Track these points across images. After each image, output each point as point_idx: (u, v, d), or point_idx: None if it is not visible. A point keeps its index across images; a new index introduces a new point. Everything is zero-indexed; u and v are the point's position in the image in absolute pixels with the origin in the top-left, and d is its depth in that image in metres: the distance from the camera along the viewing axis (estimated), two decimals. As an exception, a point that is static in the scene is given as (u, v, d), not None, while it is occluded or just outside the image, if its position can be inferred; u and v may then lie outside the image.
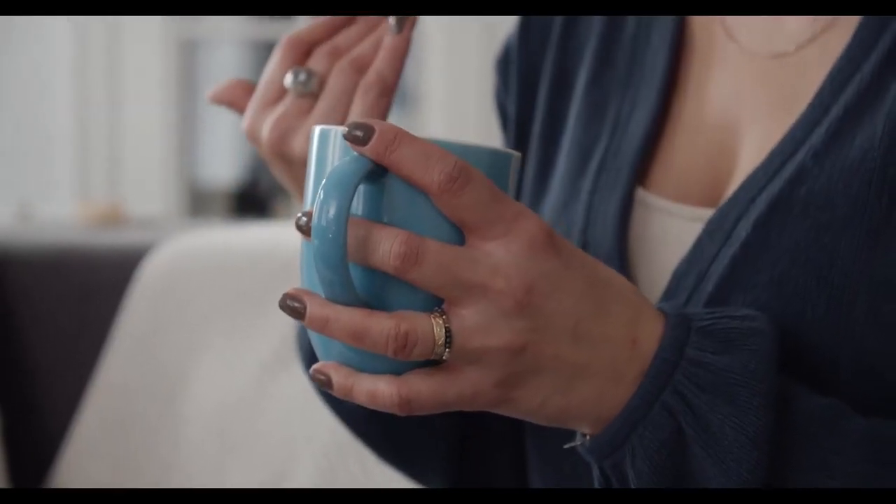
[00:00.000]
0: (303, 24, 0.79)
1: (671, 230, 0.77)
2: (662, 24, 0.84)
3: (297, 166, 0.76)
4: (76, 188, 4.00)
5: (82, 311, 1.48)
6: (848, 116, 0.70)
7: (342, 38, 0.78)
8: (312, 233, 0.57)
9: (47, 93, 4.06)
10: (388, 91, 0.76)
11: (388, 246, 0.58)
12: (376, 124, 0.58)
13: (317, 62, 0.77)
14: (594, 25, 0.88)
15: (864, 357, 0.66)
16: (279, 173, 0.79)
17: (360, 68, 0.76)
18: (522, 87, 0.90)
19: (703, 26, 0.82)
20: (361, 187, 0.59)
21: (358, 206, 0.59)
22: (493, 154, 0.61)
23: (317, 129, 0.62)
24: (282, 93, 0.78)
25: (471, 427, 0.90)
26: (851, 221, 0.67)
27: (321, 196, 0.57)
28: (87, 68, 4.03)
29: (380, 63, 0.76)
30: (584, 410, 0.62)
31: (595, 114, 0.85)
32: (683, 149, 0.79)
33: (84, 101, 4.04)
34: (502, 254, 0.58)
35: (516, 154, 0.63)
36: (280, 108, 0.77)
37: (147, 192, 4.06)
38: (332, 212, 0.57)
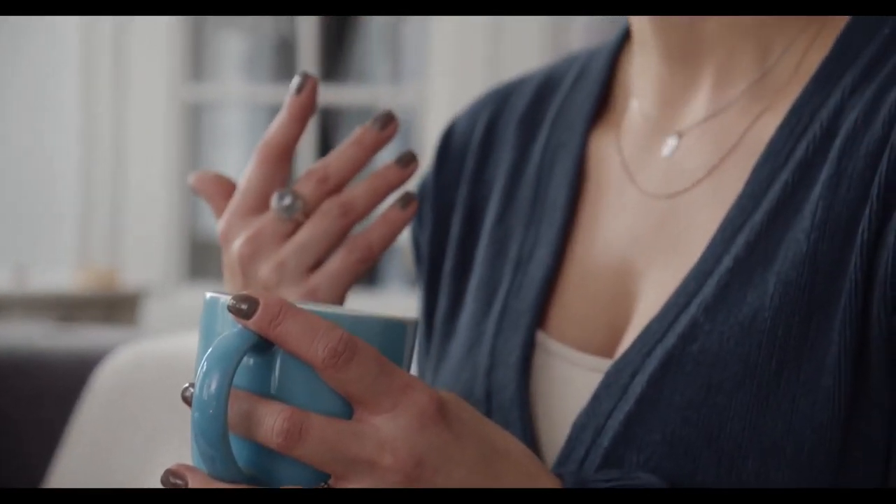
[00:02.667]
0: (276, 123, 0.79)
1: (573, 379, 0.76)
2: (565, 159, 0.83)
3: (252, 285, 0.75)
4: (77, 251, 4.02)
5: (33, 415, 1.48)
6: (739, 269, 0.70)
7: (334, 163, 0.77)
8: (193, 405, 0.57)
9: (53, 155, 4.08)
10: (371, 260, 0.75)
11: (271, 422, 0.57)
12: (262, 297, 0.58)
13: (304, 187, 0.76)
14: (504, 160, 0.88)
15: None
16: (230, 280, 0.78)
17: (348, 212, 0.75)
18: (436, 224, 0.90)
19: (603, 164, 0.82)
20: (248, 359, 0.59)
21: (244, 378, 0.59)
22: (385, 324, 0.60)
23: (206, 296, 0.61)
24: (260, 202, 0.76)
25: None
26: (742, 382, 0.67)
27: (203, 368, 0.57)
28: (92, 131, 4.06)
29: (375, 234, 0.76)
30: None
31: (499, 252, 0.84)
32: (582, 293, 0.79)
33: (89, 164, 4.06)
34: (390, 428, 0.58)
35: (411, 321, 0.62)
36: (258, 223, 0.75)
37: (149, 254, 4.07)
38: (213, 386, 0.56)
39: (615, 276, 0.77)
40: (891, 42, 0.71)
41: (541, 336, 0.79)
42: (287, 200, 0.75)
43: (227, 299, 0.59)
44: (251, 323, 0.57)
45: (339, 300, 0.76)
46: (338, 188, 0.76)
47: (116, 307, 3.40)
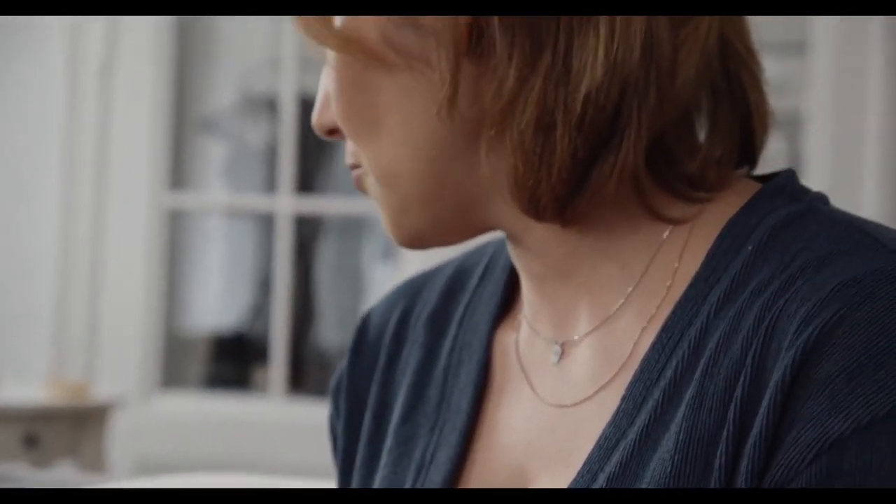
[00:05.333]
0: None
1: None
2: (470, 360, 0.84)
3: None
4: (50, 358, 3.98)
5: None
6: (612, 487, 0.70)
7: None
8: None
9: (29, 260, 4.07)
10: None
11: None
12: None
13: None
14: (413, 358, 0.88)
15: None
16: None
17: None
18: (349, 417, 0.90)
19: (506, 365, 0.83)
20: None
21: None
22: None
23: None
24: None
25: None
26: None
27: None
28: (70, 240, 4.05)
29: None
30: None
31: (403, 454, 0.84)
32: None
33: (65, 269, 4.05)
34: None
35: None
36: None
37: (124, 362, 4.04)
38: None
39: (512, 480, 0.77)
40: (753, 260, 0.72)
41: None
42: None
43: None
44: None
45: None
46: None
47: (86, 419, 3.36)
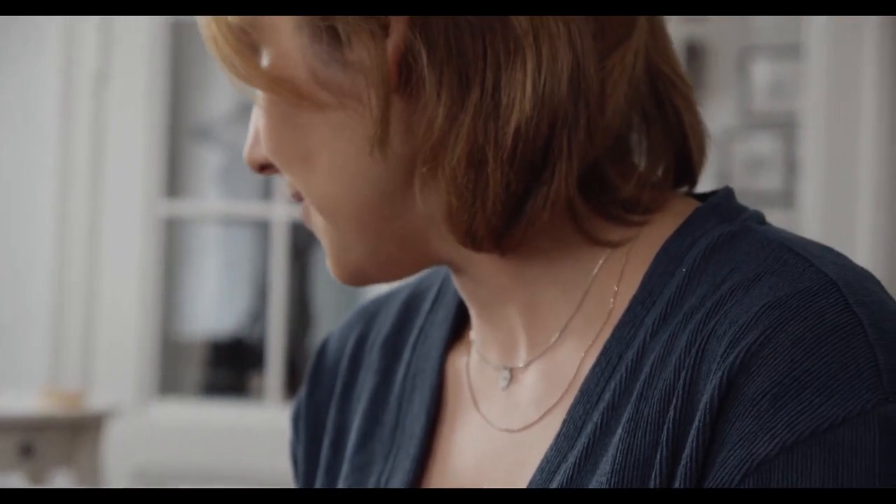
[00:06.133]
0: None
1: None
2: (423, 387, 0.84)
3: None
4: (46, 368, 3.98)
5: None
6: None
7: None
8: None
9: (25, 269, 4.06)
10: None
11: None
12: None
13: None
14: (368, 384, 0.88)
15: None
16: None
17: None
18: (308, 444, 0.91)
19: (457, 389, 0.83)
20: None
21: None
22: None
23: None
24: None
25: None
26: None
27: None
28: (65, 248, 4.05)
29: None
30: None
31: (359, 479, 0.85)
32: None
33: (61, 278, 4.04)
34: None
35: None
36: None
37: (120, 370, 4.03)
38: None
39: None
40: (687, 282, 0.72)
41: None
42: None
43: None
44: None
45: None
46: None
47: (82, 428, 3.35)
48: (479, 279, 0.78)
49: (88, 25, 3.95)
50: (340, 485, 0.85)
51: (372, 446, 0.85)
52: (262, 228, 4.40)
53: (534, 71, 0.71)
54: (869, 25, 3.49)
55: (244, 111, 4.73)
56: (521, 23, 0.71)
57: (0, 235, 4.06)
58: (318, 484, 0.88)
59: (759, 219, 0.76)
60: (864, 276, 0.70)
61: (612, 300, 0.76)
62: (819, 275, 0.68)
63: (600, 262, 0.76)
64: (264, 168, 0.79)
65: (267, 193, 4.33)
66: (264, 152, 0.78)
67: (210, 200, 4.77)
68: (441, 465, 0.81)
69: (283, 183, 0.81)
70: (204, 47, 0.80)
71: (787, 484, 0.64)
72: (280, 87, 0.75)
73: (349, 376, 0.90)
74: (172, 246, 4.42)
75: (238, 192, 4.82)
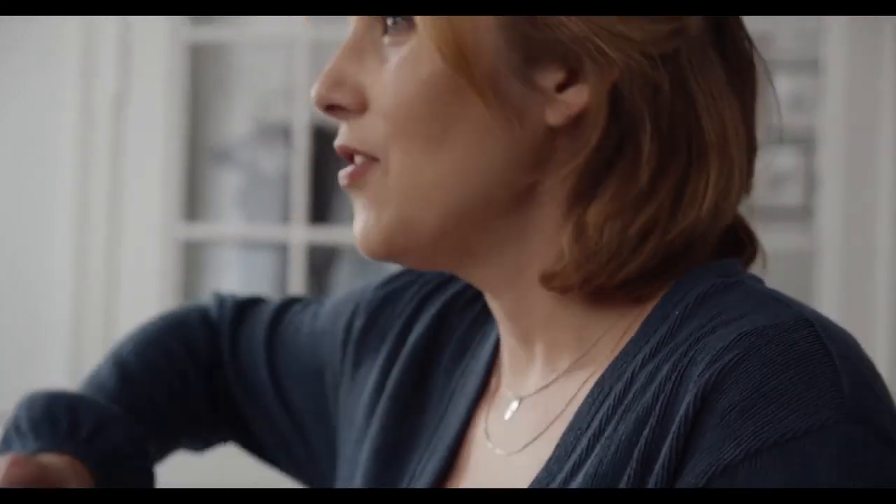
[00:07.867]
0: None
1: None
2: (475, 373, 0.90)
3: None
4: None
5: None
6: None
7: None
8: None
9: (43, 293, 4.08)
10: None
11: None
12: None
13: None
14: (394, 373, 0.95)
15: None
16: None
17: None
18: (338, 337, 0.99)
19: (478, 423, 0.89)
20: None
21: None
22: None
23: None
24: None
25: None
26: None
27: None
28: (84, 272, 4.06)
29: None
30: None
31: (394, 456, 0.91)
32: None
33: (81, 304, 4.05)
34: None
35: None
36: None
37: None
38: None
39: None
40: (679, 323, 0.77)
41: None
42: None
43: None
44: None
45: None
46: None
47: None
48: (513, 313, 0.83)
49: (107, 48, 3.96)
50: (365, 455, 0.92)
51: (410, 424, 0.91)
52: (281, 251, 4.40)
53: (716, 182, 0.79)
54: (887, 41, 3.48)
55: (263, 133, 4.74)
56: (709, 132, 0.79)
57: (19, 258, 4.07)
58: (344, 447, 0.95)
59: (756, 279, 0.82)
60: (844, 330, 0.75)
61: (616, 343, 0.81)
62: (797, 314, 0.73)
63: (615, 314, 0.81)
64: (331, 108, 0.80)
65: (286, 217, 4.33)
66: (345, 98, 0.78)
67: (229, 223, 4.77)
68: (455, 483, 0.87)
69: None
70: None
71: (749, 487, 0.68)
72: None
73: (397, 342, 0.96)
74: (191, 269, 4.43)
75: (258, 214, 4.82)
